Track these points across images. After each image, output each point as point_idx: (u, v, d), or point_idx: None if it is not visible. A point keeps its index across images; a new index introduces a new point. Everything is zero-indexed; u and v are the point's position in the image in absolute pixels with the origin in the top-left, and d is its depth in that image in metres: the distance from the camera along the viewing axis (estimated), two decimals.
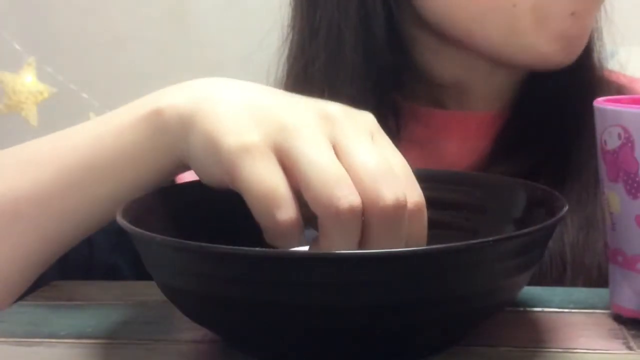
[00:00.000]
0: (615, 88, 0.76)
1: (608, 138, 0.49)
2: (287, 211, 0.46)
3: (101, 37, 1.87)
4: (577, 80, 0.74)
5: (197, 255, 0.44)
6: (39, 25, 1.89)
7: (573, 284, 0.66)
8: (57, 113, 1.77)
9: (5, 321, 0.54)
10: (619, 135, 0.48)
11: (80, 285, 0.62)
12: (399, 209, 0.46)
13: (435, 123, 0.75)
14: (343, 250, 0.46)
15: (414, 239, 0.48)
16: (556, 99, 0.74)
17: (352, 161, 0.47)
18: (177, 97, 0.54)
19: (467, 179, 0.59)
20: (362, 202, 0.46)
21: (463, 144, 0.74)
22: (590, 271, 0.67)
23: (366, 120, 0.50)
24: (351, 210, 0.45)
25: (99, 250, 0.68)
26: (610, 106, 0.49)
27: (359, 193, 0.46)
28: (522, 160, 0.71)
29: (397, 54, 0.73)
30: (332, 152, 0.47)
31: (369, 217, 0.46)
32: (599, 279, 0.66)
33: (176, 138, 0.53)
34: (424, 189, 0.58)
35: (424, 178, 0.59)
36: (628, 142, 0.48)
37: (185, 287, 0.46)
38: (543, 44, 0.67)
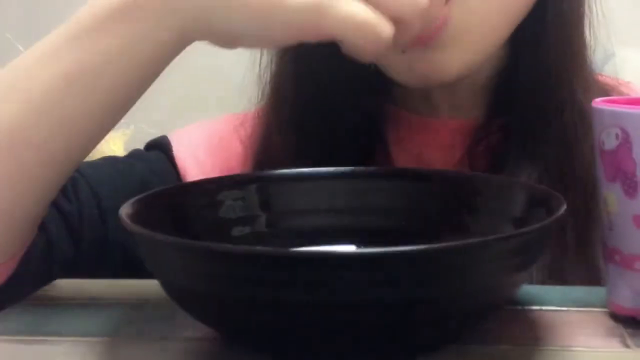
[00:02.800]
0: (607, 90, 0.76)
1: (606, 138, 0.50)
2: (386, 27, 0.52)
3: None
4: (560, 84, 0.73)
5: (199, 254, 0.44)
6: (42, 25, 1.89)
7: (566, 279, 0.66)
8: None
9: (8, 319, 0.55)
10: (617, 136, 0.49)
11: (82, 283, 0.62)
12: None
13: (422, 131, 0.75)
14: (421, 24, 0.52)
15: None
16: (543, 103, 0.73)
17: None
18: None
19: (467, 179, 0.60)
20: None
21: (451, 152, 0.74)
22: (585, 266, 0.67)
23: None
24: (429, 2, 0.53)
25: (112, 228, 0.68)
26: (608, 107, 0.50)
27: None
28: (512, 167, 0.70)
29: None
30: None
31: None
32: (594, 273, 0.66)
33: (178, 18, 0.54)
34: (424, 188, 0.59)
35: (424, 178, 0.60)
36: (626, 142, 0.49)
37: (187, 285, 0.46)
38: (400, 76, 0.68)
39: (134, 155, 0.77)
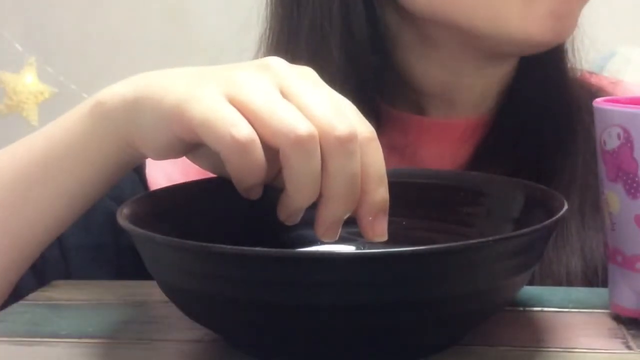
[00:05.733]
0: (594, 91, 0.75)
1: (607, 138, 0.49)
2: (243, 128, 0.48)
3: (102, 37, 1.88)
4: (551, 84, 0.73)
5: (197, 255, 0.44)
6: (40, 25, 1.90)
7: (542, 282, 0.66)
8: (57, 113, 1.76)
9: (5, 321, 0.55)
10: (618, 136, 0.49)
11: (81, 284, 0.62)
12: (352, 137, 0.49)
13: (414, 130, 0.74)
14: (306, 179, 0.48)
15: (373, 167, 0.50)
16: (535, 105, 0.73)
17: (302, 101, 0.49)
18: (117, 87, 0.57)
19: (467, 179, 0.59)
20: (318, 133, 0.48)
21: (443, 151, 0.73)
22: (558, 269, 0.67)
23: (307, 70, 0.53)
24: (310, 135, 0.48)
25: (76, 266, 0.68)
26: (610, 106, 0.50)
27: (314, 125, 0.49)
28: (500, 167, 0.70)
29: (379, 56, 0.72)
30: (281, 95, 0.50)
31: (325, 146, 0.48)
32: (568, 278, 0.66)
33: (120, 121, 0.55)
34: (424, 188, 0.59)
35: (424, 177, 0.59)
36: (627, 142, 0.48)
37: (185, 286, 0.46)
38: (531, 26, 0.66)
39: None
